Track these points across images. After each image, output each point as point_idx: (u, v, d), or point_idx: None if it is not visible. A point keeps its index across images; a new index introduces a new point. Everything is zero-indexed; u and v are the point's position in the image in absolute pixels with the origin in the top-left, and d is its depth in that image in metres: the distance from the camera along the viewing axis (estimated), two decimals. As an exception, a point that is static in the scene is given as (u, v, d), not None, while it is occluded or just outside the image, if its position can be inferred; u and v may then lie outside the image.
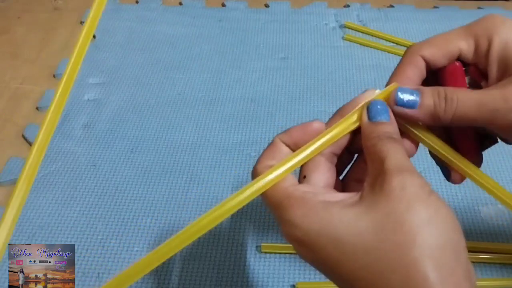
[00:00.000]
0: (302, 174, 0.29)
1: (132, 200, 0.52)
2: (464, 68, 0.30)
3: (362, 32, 0.75)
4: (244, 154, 0.57)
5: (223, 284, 0.45)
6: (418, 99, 0.28)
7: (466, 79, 0.30)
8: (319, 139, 0.28)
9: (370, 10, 0.80)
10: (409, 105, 0.28)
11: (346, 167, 0.31)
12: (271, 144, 0.29)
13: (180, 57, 0.71)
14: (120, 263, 0.46)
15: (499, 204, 0.51)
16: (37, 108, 0.63)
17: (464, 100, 0.27)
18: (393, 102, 0.28)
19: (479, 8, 0.81)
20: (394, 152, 0.26)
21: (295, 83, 0.66)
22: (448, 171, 0.31)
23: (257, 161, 0.28)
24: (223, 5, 0.83)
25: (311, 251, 0.25)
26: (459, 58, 0.30)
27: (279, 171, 0.27)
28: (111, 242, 0.48)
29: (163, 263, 0.46)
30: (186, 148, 0.58)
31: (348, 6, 0.81)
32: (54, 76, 0.68)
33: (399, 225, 0.23)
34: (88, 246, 0.48)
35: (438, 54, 0.30)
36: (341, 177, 0.31)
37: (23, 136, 0.59)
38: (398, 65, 0.31)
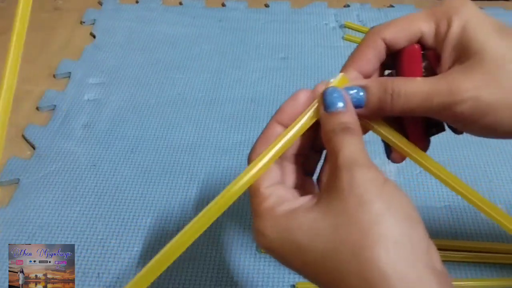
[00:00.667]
0: None
1: (132, 200, 0.52)
2: (422, 52, 0.29)
3: (362, 32, 0.75)
4: (244, 154, 0.57)
5: (223, 284, 0.45)
6: (363, 96, 0.28)
7: (423, 64, 0.29)
8: (278, 142, 0.27)
9: (370, 10, 0.80)
10: (356, 103, 0.28)
11: (315, 166, 0.31)
12: (265, 129, 0.29)
13: (180, 57, 0.71)
14: (120, 263, 0.46)
15: (499, 204, 0.51)
16: (37, 108, 0.63)
17: (410, 94, 0.27)
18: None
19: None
20: (348, 145, 0.25)
21: (295, 83, 0.66)
22: (389, 150, 0.30)
23: (252, 149, 0.28)
24: (223, 5, 0.82)
25: (279, 257, 0.25)
26: (420, 42, 0.29)
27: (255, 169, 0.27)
28: (111, 242, 0.48)
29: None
30: (186, 148, 0.58)
31: (348, 6, 0.81)
32: (54, 76, 0.68)
33: (352, 225, 0.22)
34: (88, 246, 0.48)
35: (399, 36, 0.29)
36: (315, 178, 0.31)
37: (23, 136, 0.59)
38: (357, 46, 0.30)
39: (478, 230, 0.49)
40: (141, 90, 0.66)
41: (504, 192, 0.53)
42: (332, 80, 0.28)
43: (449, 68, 0.27)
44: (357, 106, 0.28)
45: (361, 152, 0.25)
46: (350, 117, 0.27)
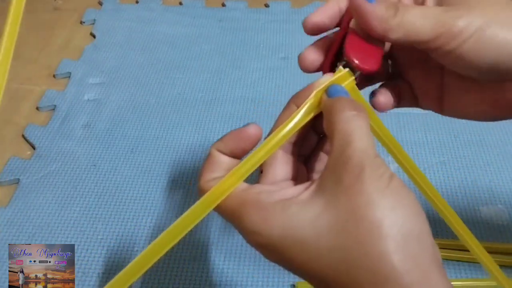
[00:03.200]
0: (260, 168, 0.28)
1: (132, 200, 0.52)
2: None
3: (362, 32, 0.75)
4: (244, 154, 0.57)
5: (223, 284, 0.45)
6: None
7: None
8: (272, 138, 0.26)
9: (370, 10, 0.80)
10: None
11: (310, 150, 0.30)
12: (208, 156, 0.27)
13: (180, 57, 0.71)
14: (120, 263, 0.46)
15: (499, 204, 0.51)
16: (37, 108, 0.63)
17: (412, 9, 0.27)
18: None
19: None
20: (360, 135, 0.24)
21: (295, 83, 0.66)
22: (373, 95, 0.31)
23: (199, 177, 0.27)
24: (223, 5, 0.83)
25: (277, 254, 0.24)
26: None
27: (228, 181, 0.25)
28: (111, 242, 0.48)
29: (163, 263, 0.46)
30: (186, 148, 0.58)
31: (348, 6, 0.81)
32: (54, 76, 0.68)
33: (360, 221, 0.22)
34: (88, 246, 0.48)
35: None
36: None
37: (23, 136, 0.59)
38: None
39: (478, 230, 0.49)
40: (141, 90, 0.66)
41: (504, 192, 0.53)
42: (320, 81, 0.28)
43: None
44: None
45: (370, 144, 0.24)
46: (356, 102, 0.26)
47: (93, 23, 0.78)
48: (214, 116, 0.62)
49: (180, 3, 0.83)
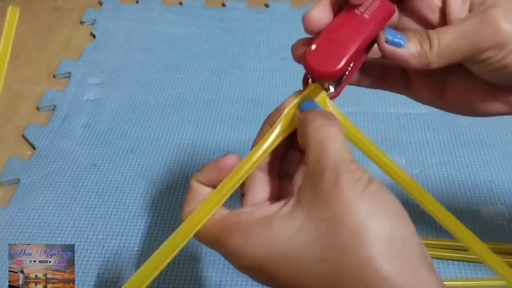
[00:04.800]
0: (242, 192, 0.28)
1: (132, 200, 0.52)
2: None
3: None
4: (244, 154, 0.57)
5: (223, 284, 0.45)
6: (404, 38, 0.27)
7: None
8: (247, 160, 0.26)
9: (370, 10, 0.80)
10: (396, 44, 0.27)
11: (295, 167, 0.30)
12: (189, 188, 0.27)
13: (180, 57, 0.71)
14: (120, 263, 0.46)
15: (499, 204, 0.51)
16: (37, 108, 0.63)
17: (444, 33, 0.27)
18: (383, 42, 0.27)
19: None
20: (332, 143, 0.24)
21: (295, 83, 0.66)
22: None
23: (181, 210, 0.27)
24: (223, 5, 0.83)
25: (265, 274, 0.24)
26: None
27: (205, 208, 0.25)
28: (111, 242, 0.48)
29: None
30: (186, 148, 0.58)
31: (348, 6, 0.81)
32: (54, 76, 0.68)
33: (341, 229, 0.22)
34: (88, 246, 0.48)
35: None
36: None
37: (23, 136, 0.59)
38: None
39: (478, 230, 0.49)
40: (141, 90, 0.66)
41: (504, 192, 0.53)
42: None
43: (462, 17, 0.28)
44: (397, 45, 0.27)
45: (345, 150, 0.24)
46: (326, 112, 0.26)
47: (93, 23, 0.78)
48: (214, 116, 0.62)
49: (180, 3, 0.83)
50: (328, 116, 0.26)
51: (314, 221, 0.22)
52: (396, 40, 0.27)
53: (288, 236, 0.23)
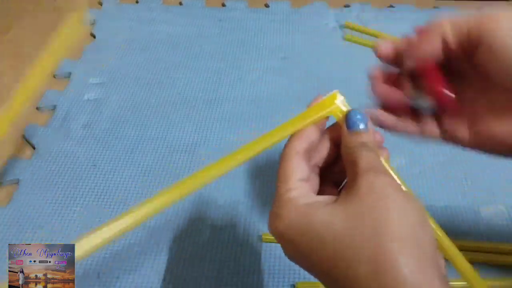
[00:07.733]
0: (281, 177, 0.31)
1: (132, 200, 0.52)
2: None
3: (362, 32, 0.75)
4: (244, 154, 0.57)
5: (222, 284, 0.45)
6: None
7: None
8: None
9: (370, 10, 0.80)
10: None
11: (342, 178, 0.32)
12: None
13: (180, 57, 0.71)
14: (120, 263, 0.46)
15: (499, 204, 0.51)
16: (37, 108, 0.63)
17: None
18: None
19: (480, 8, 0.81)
20: (365, 156, 0.27)
21: (295, 83, 0.66)
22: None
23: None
24: (223, 5, 0.83)
25: (289, 243, 0.27)
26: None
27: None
28: (111, 242, 0.48)
29: (163, 263, 0.46)
30: (186, 148, 0.58)
31: (348, 6, 0.81)
32: (54, 76, 0.68)
33: (367, 218, 0.24)
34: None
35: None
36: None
37: (23, 136, 0.59)
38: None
39: (478, 230, 0.49)
40: (141, 90, 0.66)
41: (504, 192, 0.53)
42: (324, 96, 0.33)
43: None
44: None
45: (378, 161, 0.28)
46: (369, 137, 0.29)
47: (93, 23, 0.78)
48: (214, 116, 0.62)
49: (180, 3, 0.83)
50: (367, 142, 0.29)
51: (344, 208, 0.26)
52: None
53: (319, 217, 0.26)
